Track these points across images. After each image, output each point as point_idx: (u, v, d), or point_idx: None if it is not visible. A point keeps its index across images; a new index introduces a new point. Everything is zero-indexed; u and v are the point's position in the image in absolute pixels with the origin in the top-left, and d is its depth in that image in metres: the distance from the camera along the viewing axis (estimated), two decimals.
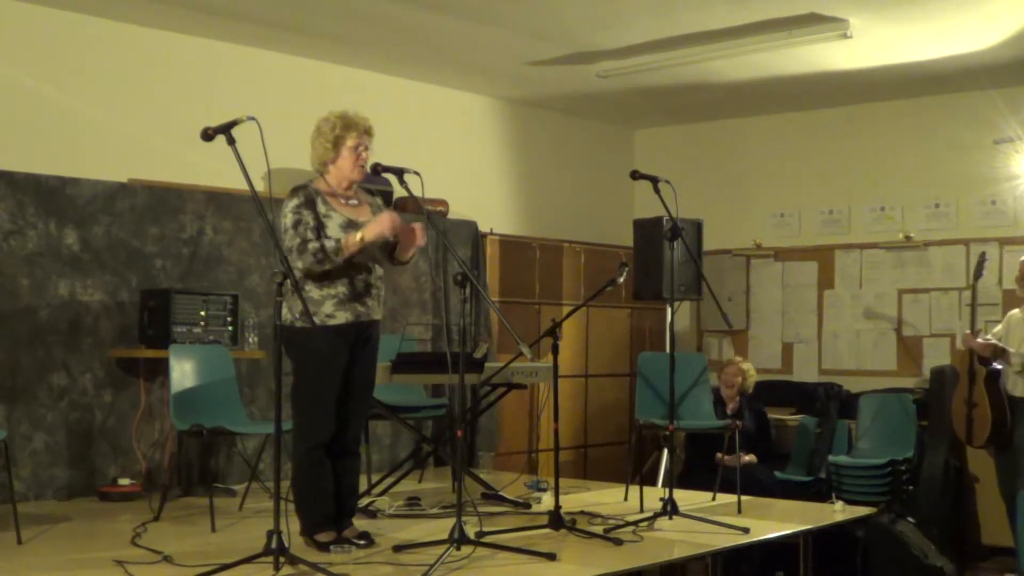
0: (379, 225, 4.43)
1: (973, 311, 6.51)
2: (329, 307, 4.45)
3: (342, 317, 4.47)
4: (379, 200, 4.92)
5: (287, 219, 4.44)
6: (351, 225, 4.48)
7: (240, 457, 6.36)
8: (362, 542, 4.52)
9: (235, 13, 6.22)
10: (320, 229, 4.43)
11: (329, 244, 4.37)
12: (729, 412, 7.29)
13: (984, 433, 6.31)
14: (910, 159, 8.10)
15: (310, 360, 4.47)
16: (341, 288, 4.47)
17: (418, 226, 4.56)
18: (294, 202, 4.45)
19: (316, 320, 4.36)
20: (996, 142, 7.62)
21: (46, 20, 6.04)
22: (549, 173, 8.76)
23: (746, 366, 7.53)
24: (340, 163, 4.55)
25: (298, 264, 4.37)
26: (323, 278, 4.45)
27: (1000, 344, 6.24)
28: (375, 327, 4.64)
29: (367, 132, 4.58)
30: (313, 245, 4.36)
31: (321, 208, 4.47)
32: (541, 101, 8.42)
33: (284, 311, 4.33)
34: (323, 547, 4.41)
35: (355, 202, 4.63)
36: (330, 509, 4.53)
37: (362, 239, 4.39)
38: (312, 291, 4.44)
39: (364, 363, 4.62)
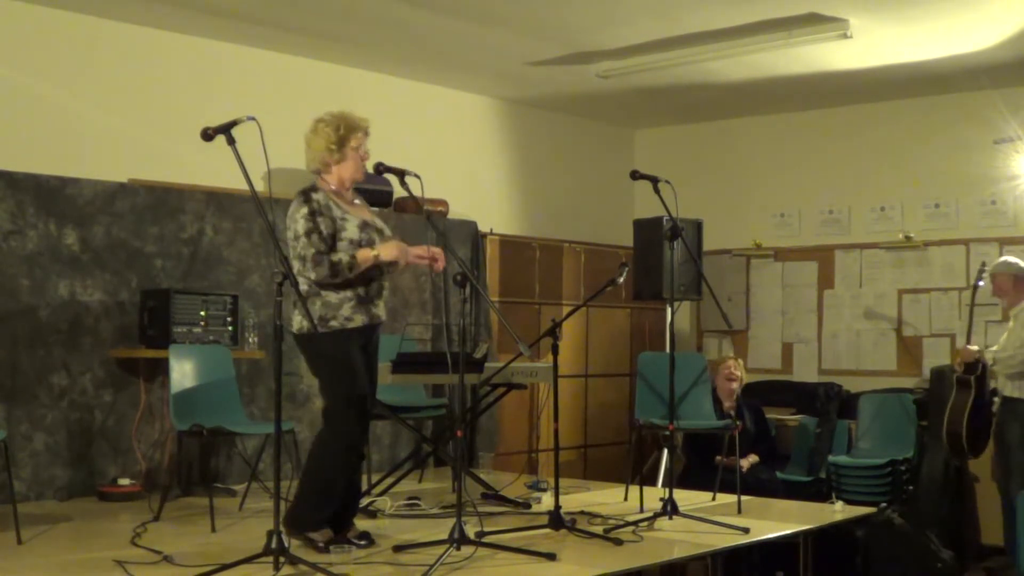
0: (398, 251, 4.49)
1: (971, 319, 6.51)
2: (347, 310, 4.46)
3: (359, 320, 4.49)
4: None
5: (299, 225, 4.41)
6: (367, 226, 4.52)
7: (240, 457, 6.36)
8: (362, 542, 4.52)
9: (235, 13, 6.22)
10: (335, 236, 4.42)
11: (344, 259, 4.38)
12: (726, 411, 7.26)
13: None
14: (910, 159, 8.10)
15: (341, 364, 4.47)
16: (360, 290, 4.49)
17: (438, 252, 4.60)
18: (305, 209, 4.42)
19: (336, 324, 4.41)
20: (996, 142, 7.61)
21: (46, 20, 6.04)
22: (549, 173, 8.75)
23: (739, 363, 7.52)
24: (345, 164, 4.55)
25: (311, 275, 4.38)
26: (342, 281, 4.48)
27: (979, 352, 6.30)
28: (380, 329, 4.68)
29: (367, 133, 4.60)
30: (332, 258, 4.37)
31: (336, 212, 4.47)
32: (541, 101, 8.42)
33: (295, 321, 4.44)
34: (323, 547, 4.41)
35: (357, 202, 4.68)
36: (337, 509, 4.54)
37: (377, 256, 4.43)
38: (329, 295, 4.44)
39: (371, 363, 4.65)
